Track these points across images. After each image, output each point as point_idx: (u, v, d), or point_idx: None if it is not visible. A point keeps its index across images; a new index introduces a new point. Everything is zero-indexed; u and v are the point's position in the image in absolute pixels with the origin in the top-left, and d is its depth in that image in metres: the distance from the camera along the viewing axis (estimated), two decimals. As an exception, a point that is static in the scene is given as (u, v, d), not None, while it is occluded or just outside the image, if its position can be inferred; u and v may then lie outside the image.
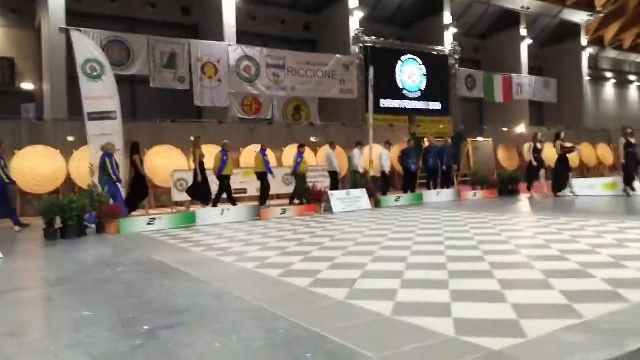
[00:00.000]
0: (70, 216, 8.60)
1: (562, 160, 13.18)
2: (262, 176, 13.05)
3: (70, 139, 13.88)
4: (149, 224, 9.57)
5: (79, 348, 3.02)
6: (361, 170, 14.25)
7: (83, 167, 12.08)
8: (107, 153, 10.13)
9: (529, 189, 13.81)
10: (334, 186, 13.88)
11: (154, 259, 6.17)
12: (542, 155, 13.45)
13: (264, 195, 13.05)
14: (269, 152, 13.84)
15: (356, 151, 14.46)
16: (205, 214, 10.47)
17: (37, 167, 12.95)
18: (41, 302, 4.43)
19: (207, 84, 18.02)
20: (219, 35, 19.32)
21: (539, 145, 13.49)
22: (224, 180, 12.39)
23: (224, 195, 12.49)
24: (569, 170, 13.35)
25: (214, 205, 11.98)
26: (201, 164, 11.95)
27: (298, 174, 13.05)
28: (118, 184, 10.13)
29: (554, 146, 13.31)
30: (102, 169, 10.02)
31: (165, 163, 14.31)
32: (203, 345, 2.96)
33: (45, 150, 13.38)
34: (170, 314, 3.65)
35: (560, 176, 13.18)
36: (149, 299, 4.15)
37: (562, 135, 13.46)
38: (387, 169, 14.68)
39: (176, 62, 17.43)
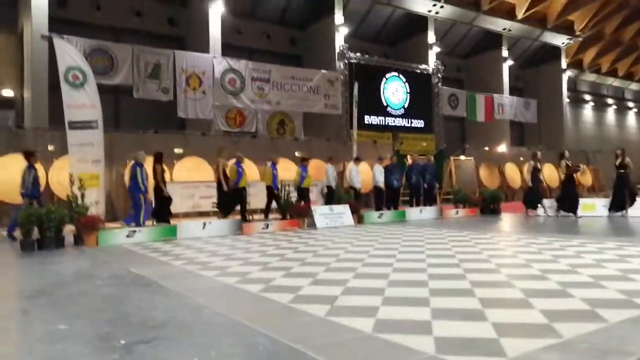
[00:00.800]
0: (48, 227, 8.44)
1: (570, 179, 12.91)
2: (271, 189, 12.95)
3: (51, 148, 13.67)
4: (128, 236, 9.43)
5: (53, 363, 2.95)
6: (358, 186, 14.20)
7: (63, 177, 11.89)
8: (138, 162, 10.36)
9: (530, 209, 13.62)
10: (330, 201, 13.79)
11: (132, 272, 6.07)
12: (541, 175, 13.43)
13: (267, 208, 13.05)
14: (280, 166, 13.80)
15: (354, 167, 14.42)
16: (187, 227, 10.35)
17: (16, 176, 12.65)
18: (16, 315, 4.31)
19: (191, 96, 17.98)
20: (204, 48, 19.35)
21: (538, 165, 13.51)
22: (241, 192, 12.27)
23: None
24: (576, 189, 13.12)
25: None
26: (224, 175, 11.96)
27: (302, 188, 13.03)
28: (145, 194, 10.41)
29: (560, 166, 13.17)
30: (132, 178, 10.28)
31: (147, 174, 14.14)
32: (181, 361, 2.91)
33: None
34: (148, 328, 3.59)
35: (569, 196, 12.86)
36: (126, 312, 4.08)
37: (567, 154, 13.20)
38: (381, 184, 14.58)
39: (160, 72, 17.37)
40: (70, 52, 11.69)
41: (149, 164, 11.06)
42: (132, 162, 10.43)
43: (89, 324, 3.77)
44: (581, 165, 13.26)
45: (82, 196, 9.44)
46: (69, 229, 9.21)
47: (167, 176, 12.13)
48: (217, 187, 12.25)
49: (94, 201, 10.28)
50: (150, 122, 17.65)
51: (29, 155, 10.11)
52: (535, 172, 13.47)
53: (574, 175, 13.06)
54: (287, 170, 15.17)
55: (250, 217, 12.53)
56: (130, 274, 5.98)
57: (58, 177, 12.96)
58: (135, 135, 15.25)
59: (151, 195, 11.02)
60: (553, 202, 13.43)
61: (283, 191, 12.61)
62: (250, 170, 14.96)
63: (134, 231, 9.59)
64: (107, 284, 5.37)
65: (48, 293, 4.98)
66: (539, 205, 13.54)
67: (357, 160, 14.72)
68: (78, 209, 9.15)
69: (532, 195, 13.68)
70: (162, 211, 11.27)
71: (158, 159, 11.25)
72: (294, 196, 13.00)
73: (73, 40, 15.28)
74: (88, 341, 3.33)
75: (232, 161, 12.44)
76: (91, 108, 11.28)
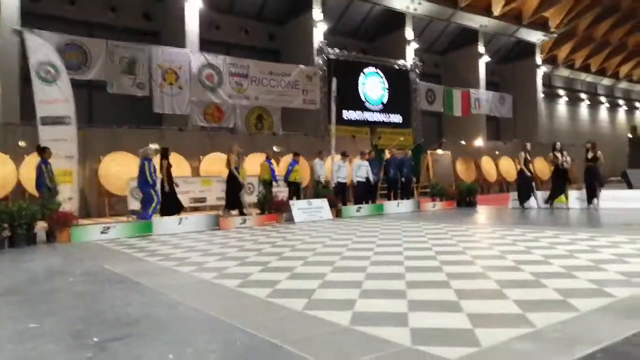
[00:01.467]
0: (20, 224, 8.25)
1: (560, 171, 12.94)
2: (268, 184, 13.11)
3: (22, 143, 13.35)
4: (102, 232, 9.28)
5: (23, 362, 2.88)
6: (342, 181, 14.23)
7: (34, 173, 11.61)
8: (146, 157, 10.38)
9: (522, 201, 13.49)
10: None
11: (106, 268, 5.97)
12: (530, 166, 13.48)
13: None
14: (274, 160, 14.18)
15: (338, 161, 14.49)
16: (163, 223, 10.23)
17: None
18: (-16, 314, 4.21)
19: (167, 91, 17.73)
20: (180, 42, 19.12)
21: (528, 157, 13.52)
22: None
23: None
24: (566, 181, 13.19)
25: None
26: (234, 170, 11.92)
27: (290, 182, 13.45)
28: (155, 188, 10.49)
29: (548, 158, 13.15)
30: (141, 173, 10.29)
31: (121, 170, 13.95)
32: (156, 357, 2.87)
33: (-6, 155, 12.83)
34: (123, 325, 3.53)
35: (552, 187, 13.07)
36: (100, 310, 4.01)
37: (558, 146, 13.21)
38: (361, 178, 14.59)
39: (136, 67, 17.08)
40: (43, 47, 11.44)
41: (155, 160, 11.02)
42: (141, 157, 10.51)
43: (61, 321, 3.69)
44: (560, 158, 13.03)
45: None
46: (41, 226, 9.03)
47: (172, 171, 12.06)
48: (227, 183, 12.21)
49: (67, 197, 10.12)
50: (125, 117, 17.39)
51: (42, 151, 10.14)
52: (526, 164, 13.45)
53: (563, 167, 12.97)
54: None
55: (228, 213, 12.43)
56: (104, 270, 5.88)
57: (29, 173, 12.63)
58: (109, 131, 15.01)
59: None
60: (544, 194, 13.60)
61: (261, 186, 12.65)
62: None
63: (108, 227, 9.44)
64: (80, 281, 5.27)
65: (18, 291, 4.87)
66: (531, 196, 13.51)
67: (344, 155, 14.78)
68: (50, 205, 8.97)
69: (525, 188, 13.62)
70: (167, 206, 11.17)
71: (164, 155, 11.23)
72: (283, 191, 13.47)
73: (45, 34, 14.91)
74: (60, 339, 3.26)
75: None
76: (64, 103, 11.06)
